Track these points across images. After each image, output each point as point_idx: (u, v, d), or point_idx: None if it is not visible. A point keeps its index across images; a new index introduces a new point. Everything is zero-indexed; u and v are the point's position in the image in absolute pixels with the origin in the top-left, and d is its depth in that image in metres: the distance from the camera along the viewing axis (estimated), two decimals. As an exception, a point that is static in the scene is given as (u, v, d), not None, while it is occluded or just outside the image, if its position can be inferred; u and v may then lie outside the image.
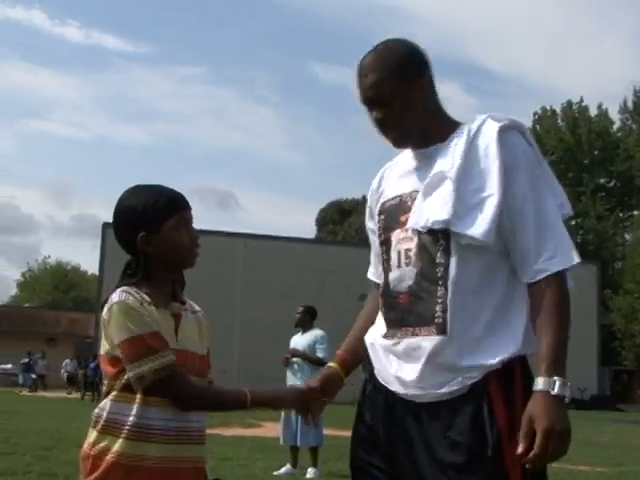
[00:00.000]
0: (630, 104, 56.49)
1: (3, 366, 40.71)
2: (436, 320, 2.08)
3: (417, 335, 2.11)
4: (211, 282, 29.24)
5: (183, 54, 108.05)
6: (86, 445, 2.18)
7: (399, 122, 2.19)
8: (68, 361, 35.29)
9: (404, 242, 2.18)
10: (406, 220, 2.18)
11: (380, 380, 2.22)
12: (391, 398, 2.18)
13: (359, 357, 2.39)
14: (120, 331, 2.12)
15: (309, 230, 66.80)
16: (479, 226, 2.05)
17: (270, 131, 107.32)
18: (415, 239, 2.15)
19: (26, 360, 34.95)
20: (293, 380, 8.81)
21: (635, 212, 55.20)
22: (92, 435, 2.18)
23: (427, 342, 2.09)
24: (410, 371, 2.12)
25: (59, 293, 70.53)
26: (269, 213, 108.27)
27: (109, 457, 2.12)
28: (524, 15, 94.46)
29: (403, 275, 2.17)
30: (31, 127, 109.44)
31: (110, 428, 2.14)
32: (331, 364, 2.44)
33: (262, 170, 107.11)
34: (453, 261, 2.08)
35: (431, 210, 2.11)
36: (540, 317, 2.03)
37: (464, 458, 2.01)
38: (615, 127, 56.78)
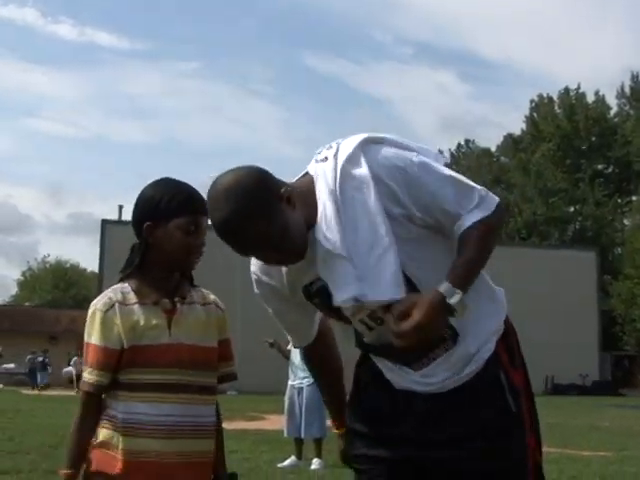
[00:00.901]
0: (627, 89, 56.51)
1: (5, 365, 40.75)
2: (447, 335, 2.10)
3: (434, 359, 2.13)
4: (211, 278, 29.16)
5: (177, 49, 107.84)
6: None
7: (287, 255, 2.07)
8: (77, 359, 35.02)
9: (360, 312, 2.09)
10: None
11: (394, 384, 2.20)
12: (402, 394, 2.18)
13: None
14: (85, 333, 2.25)
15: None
16: (387, 289, 2.01)
17: (267, 124, 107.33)
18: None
19: (40, 358, 34.82)
20: (294, 378, 8.84)
21: (634, 197, 55.24)
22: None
23: (448, 354, 2.13)
24: (430, 377, 2.14)
25: (59, 292, 70.54)
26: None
27: (100, 449, 2.20)
28: (520, 2, 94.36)
29: (381, 332, 2.11)
30: (26, 125, 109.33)
31: (104, 422, 2.23)
32: (342, 430, 2.40)
33: (259, 163, 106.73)
34: (421, 284, 2.07)
35: (340, 290, 2.04)
36: (463, 246, 2.04)
37: (500, 422, 2.11)
38: (612, 113, 56.78)
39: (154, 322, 2.22)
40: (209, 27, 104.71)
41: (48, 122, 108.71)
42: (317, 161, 2.13)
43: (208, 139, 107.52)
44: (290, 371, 8.97)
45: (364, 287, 2.01)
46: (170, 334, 2.23)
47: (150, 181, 2.33)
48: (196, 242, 2.24)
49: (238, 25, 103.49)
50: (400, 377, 2.18)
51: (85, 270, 75.60)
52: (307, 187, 2.11)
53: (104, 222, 36.61)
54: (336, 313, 2.15)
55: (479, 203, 2.08)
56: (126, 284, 2.27)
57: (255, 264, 2.24)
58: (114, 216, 40.61)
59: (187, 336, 2.25)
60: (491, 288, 2.22)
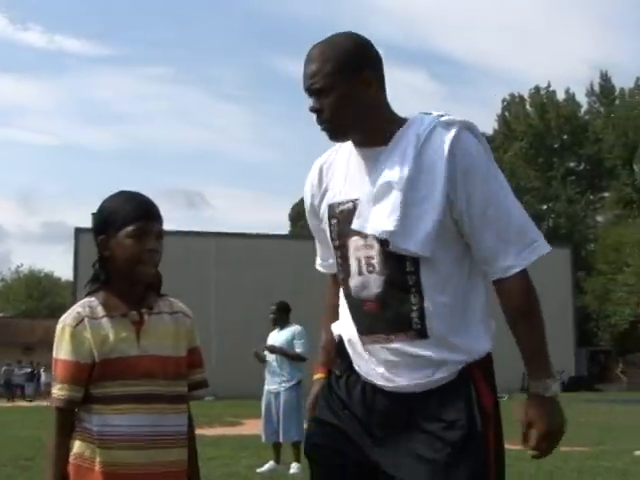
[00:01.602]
0: (597, 87, 57.04)
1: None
2: (414, 326, 2.12)
3: (392, 342, 2.14)
4: (184, 283, 29.10)
5: (147, 55, 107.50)
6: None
7: (333, 114, 2.17)
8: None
9: (363, 249, 2.18)
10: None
11: (362, 374, 2.22)
12: (373, 390, 2.20)
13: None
14: (54, 349, 2.25)
15: (283, 226, 66.72)
16: (416, 239, 2.09)
17: (238, 128, 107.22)
18: (377, 247, 2.15)
19: (29, 370, 34.41)
20: (271, 382, 8.80)
21: (605, 194, 55.77)
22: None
23: (407, 347, 2.13)
24: (395, 373, 2.15)
25: (33, 301, 69.92)
26: (241, 211, 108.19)
27: (75, 462, 2.22)
28: (489, 1, 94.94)
29: (366, 282, 2.17)
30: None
31: (78, 435, 2.24)
32: (319, 376, 2.43)
33: (232, 168, 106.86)
34: (424, 269, 2.12)
35: (377, 219, 2.13)
36: (515, 315, 2.14)
37: (460, 435, 2.09)
38: (583, 111, 57.27)
39: (123, 334, 2.24)
40: (178, 32, 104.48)
41: (18, 130, 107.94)
42: (421, 113, 2.24)
43: (179, 144, 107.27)
44: (266, 375, 8.95)
45: (400, 230, 2.09)
46: (139, 346, 2.24)
47: (114, 191, 2.35)
48: (146, 247, 2.24)
49: (207, 29, 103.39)
50: (367, 368, 2.20)
51: (59, 279, 74.99)
52: (392, 114, 2.23)
53: (77, 230, 36.38)
54: (342, 241, 2.22)
55: (529, 247, 2.16)
56: (93, 298, 2.28)
57: (311, 182, 2.35)
58: (87, 224, 40.33)
59: (156, 347, 2.27)
60: (486, 315, 2.21)
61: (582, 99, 57.48)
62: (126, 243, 2.23)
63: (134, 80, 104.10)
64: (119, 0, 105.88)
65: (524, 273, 2.14)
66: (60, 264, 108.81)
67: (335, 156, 2.33)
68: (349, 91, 2.16)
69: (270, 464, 8.74)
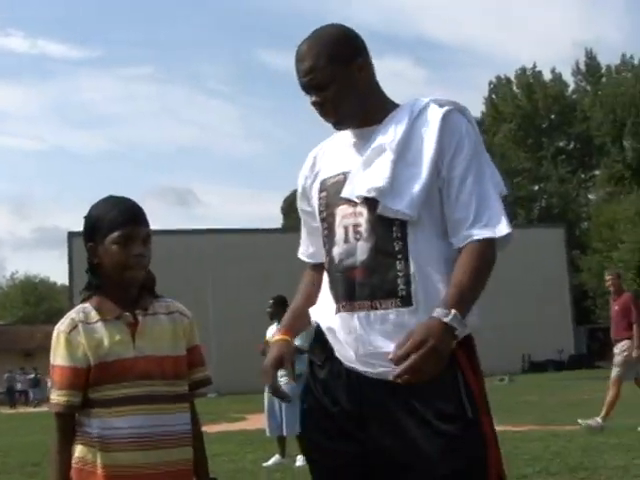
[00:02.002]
0: (583, 66, 57.03)
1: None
2: (400, 293, 2.13)
3: (377, 308, 2.15)
4: (180, 281, 29.06)
5: (129, 55, 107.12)
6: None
7: (336, 105, 2.25)
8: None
9: (351, 217, 2.21)
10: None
11: (345, 362, 2.22)
12: (358, 379, 2.19)
13: (304, 325, 2.46)
14: (51, 356, 2.27)
15: (275, 219, 66.68)
16: (405, 200, 2.14)
17: (225, 124, 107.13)
18: (365, 214, 2.18)
19: (32, 375, 34.36)
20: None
21: (596, 172, 55.81)
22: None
23: (393, 314, 2.13)
24: (374, 345, 2.14)
25: (30, 307, 69.89)
26: (232, 206, 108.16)
27: (77, 466, 2.23)
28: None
29: (352, 250, 2.19)
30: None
31: (79, 438, 2.25)
32: (280, 337, 2.42)
33: (221, 164, 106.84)
34: (411, 235, 2.15)
35: (368, 179, 2.18)
36: (459, 265, 2.10)
37: (452, 424, 2.09)
38: (570, 90, 57.30)
39: (118, 337, 2.24)
40: (159, 29, 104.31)
41: (5, 137, 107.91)
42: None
43: (167, 142, 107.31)
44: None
45: (389, 189, 2.14)
46: (135, 347, 2.25)
47: (104, 194, 2.37)
48: (132, 252, 2.25)
49: (189, 26, 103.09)
50: (349, 353, 2.19)
51: (55, 284, 74.95)
52: (385, 96, 2.33)
53: (71, 234, 36.36)
54: (329, 211, 2.26)
55: (495, 222, 2.15)
56: (87, 304, 2.30)
57: (308, 166, 2.40)
58: (81, 227, 40.22)
59: (152, 347, 2.27)
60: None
61: (569, 78, 57.58)
62: (112, 249, 2.25)
63: (118, 81, 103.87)
64: (99, 2, 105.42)
65: (486, 242, 2.13)
66: (55, 269, 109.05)
67: (329, 143, 2.41)
68: (346, 81, 2.23)
69: (276, 458, 8.75)
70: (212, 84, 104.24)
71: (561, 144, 56.80)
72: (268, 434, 9.00)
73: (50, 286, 75.50)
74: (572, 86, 57.43)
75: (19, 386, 35.74)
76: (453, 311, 2.00)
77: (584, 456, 7.74)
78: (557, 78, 56.92)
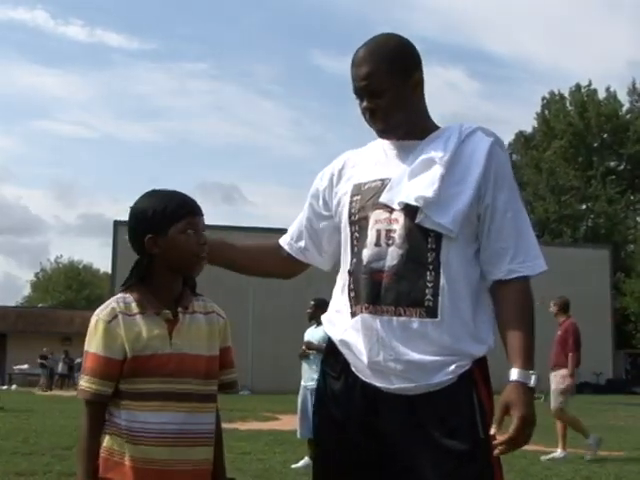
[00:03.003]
0: (639, 85, 56.19)
1: (19, 366, 40.92)
2: (426, 303, 2.15)
3: (400, 315, 2.15)
4: (222, 279, 29.16)
5: (186, 50, 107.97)
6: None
7: (388, 114, 2.27)
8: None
9: (385, 222, 2.23)
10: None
11: (360, 376, 2.22)
12: (374, 394, 2.19)
13: (226, 258, 2.56)
14: (86, 342, 2.26)
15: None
16: (449, 215, 2.17)
17: (275, 124, 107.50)
18: (401, 221, 2.21)
19: (78, 360, 34.53)
20: (307, 379, 8.80)
21: (646, 194, 54.93)
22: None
23: (416, 323, 2.15)
24: (394, 351, 2.14)
25: (72, 292, 70.86)
26: (277, 206, 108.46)
27: (104, 455, 2.23)
28: None
29: (382, 254, 2.21)
30: (36, 127, 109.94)
31: (107, 428, 2.25)
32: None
33: (269, 163, 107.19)
34: (445, 249, 2.18)
35: (414, 188, 2.20)
36: (513, 313, 2.18)
37: (465, 444, 2.10)
38: (624, 109, 56.51)
39: (156, 332, 2.24)
40: (217, 26, 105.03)
41: (58, 123, 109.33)
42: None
43: (217, 139, 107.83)
44: (303, 371, 8.95)
45: (435, 202, 2.18)
46: (171, 344, 2.24)
47: (151, 186, 2.39)
48: (199, 240, 2.27)
49: (245, 25, 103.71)
50: (364, 363, 2.19)
51: (98, 271, 75.88)
52: (428, 113, 2.37)
53: (116, 223, 36.77)
54: (362, 215, 2.28)
55: (534, 259, 2.24)
56: (128, 294, 2.28)
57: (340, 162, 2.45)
58: (124, 217, 40.71)
59: (188, 346, 2.27)
60: (491, 324, 2.25)
61: (624, 98, 56.73)
62: (180, 239, 2.25)
63: (172, 75, 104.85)
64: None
65: (526, 281, 2.23)
66: (97, 256, 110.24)
67: (363, 151, 2.45)
68: (401, 92, 2.26)
69: (305, 460, 8.75)
70: (265, 84, 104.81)
71: (612, 164, 55.97)
72: (299, 436, 8.99)
73: (93, 273, 76.47)
74: (626, 106, 56.66)
75: (60, 369, 36.20)
76: (533, 376, 2.13)
77: (616, 483, 7.61)
78: (611, 97, 56.15)
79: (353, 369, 2.24)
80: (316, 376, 9.83)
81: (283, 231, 2.62)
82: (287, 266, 2.60)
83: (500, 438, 2.08)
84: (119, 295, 2.30)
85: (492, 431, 2.06)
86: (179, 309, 2.29)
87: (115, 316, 2.23)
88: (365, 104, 2.28)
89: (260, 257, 2.61)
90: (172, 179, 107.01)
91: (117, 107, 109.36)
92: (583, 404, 24.24)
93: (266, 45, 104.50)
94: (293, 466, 8.64)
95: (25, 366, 40.44)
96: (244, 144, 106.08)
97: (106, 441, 2.23)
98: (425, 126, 2.33)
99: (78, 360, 35.26)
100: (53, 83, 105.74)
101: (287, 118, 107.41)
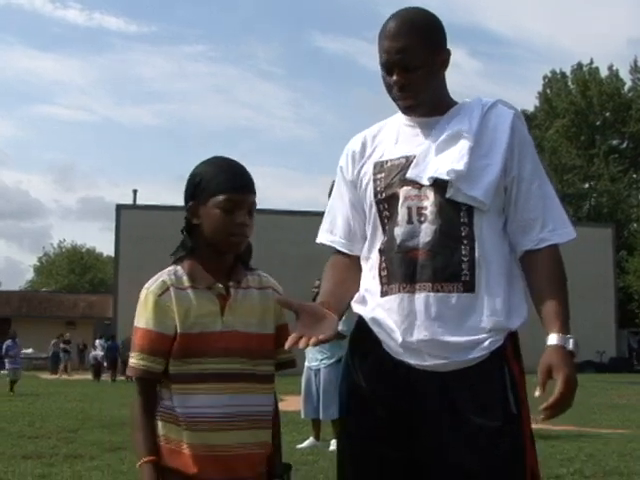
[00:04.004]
0: (641, 64, 55.88)
1: (24, 351, 40.99)
2: (463, 277, 2.14)
3: (439, 291, 2.14)
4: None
5: (185, 32, 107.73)
6: None
7: (419, 89, 2.23)
8: (101, 342, 34.12)
9: (415, 199, 2.21)
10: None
11: (391, 354, 2.20)
12: (406, 372, 2.17)
13: (342, 305, 2.30)
14: (136, 317, 2.14)
15: (321, 203, 66.60)
16: (480, 188, 2.17)
17: (275, 106, 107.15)
18: (432, 197, 2.19)
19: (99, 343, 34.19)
20: (311, 359, 8.81)
21: (649, 173, 54.80)
22: None
23: (454, 298, 2.14)
24: (430, 330, 2.13)
25: (75, 276, 70.93)
26: (278, 188, 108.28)
27: (160, 443, 2.12)
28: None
29: (416, 231, 2.19)
30: (35, 112, 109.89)
31: (160, 415, 2.14)
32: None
33: (270, 145, 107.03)
34: (478, 222, 2.18)
35: (445, 162, 2.18)
36: (547, 280, 2.19)
37: (497, 420, 2.10)
38: (626, 88, 56.25)
39: (207, 308, 2.12)
40: (216, 8, 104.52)
41: (57, 107, 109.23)
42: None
43: (218, 121, 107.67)
44: (307, 352, 8.97)
45: (465, 175, 2.16)
46: (223, 321, 2.13)
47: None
48: (236, 221, 2.12)
49: (244, 6, 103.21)
50: (397, 341, 2.17)
51: (101, 254, 75.93)
52: (447, 89, 2.34)
53: (119, 207, 36.75)
54: (390, 192, 2.24)
55: (564, 226, 2.26)
56: (179, 267, 2.16)
57: (365, 137, 2.38)
58: (125, 200, 40.77)
59: (241, 323, 2.15)
60: (524, 296, 2.24)
61: (626, 76, 56.47)
62: (215, 213, 2.12)
63: (172, 58, 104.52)
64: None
65: (557, 248, 2.24)
66: (98, 239, 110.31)
67: (378, 129, 2.40)
68: (433, 67, 2.25)
69: (310, 440, 8.80)
70: (265, 65, 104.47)
71: (614, 142, 55.82)
72: (303, 416, 9.04)
73: (96, 257, 76.50)
74: (629, 84, 56.40)
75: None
76: (571, 340, 2.11)
77: (620, 460, 7.66)
78: (613, 75, 55.89)
79: (385, 347, 2.21)
80: (320, 357, 9.90)
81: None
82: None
83: (546, 403, 2.04)
84: (170, 268, 2.17)
85: (537, 394, 2.03)
86: (230, 284, 2.17)
87: (166, 289, 2.11)
88: (396, 78, 2.22)
89: (348, 283, 2.35)
90: (172, 162, 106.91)
91: (116, 91, 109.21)
92: (587, 382, 24.29)
93: (265, 27, 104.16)
94: (298, 446, 8.68)
95: (30, 350, 40.53)
96: (244, 125, 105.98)
97: (160, 428, 2.11)
98: (446, 102, 2.31)
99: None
100: (51, 67, 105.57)
101: (287, 100, 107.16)
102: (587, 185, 54.17)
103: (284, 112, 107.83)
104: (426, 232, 2.17)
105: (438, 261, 2.15)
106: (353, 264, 2.37)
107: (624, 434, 10.17)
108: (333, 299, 2.26)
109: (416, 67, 2.20)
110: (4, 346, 21.35)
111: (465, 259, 2.15)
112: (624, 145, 56.18)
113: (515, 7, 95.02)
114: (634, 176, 55.03)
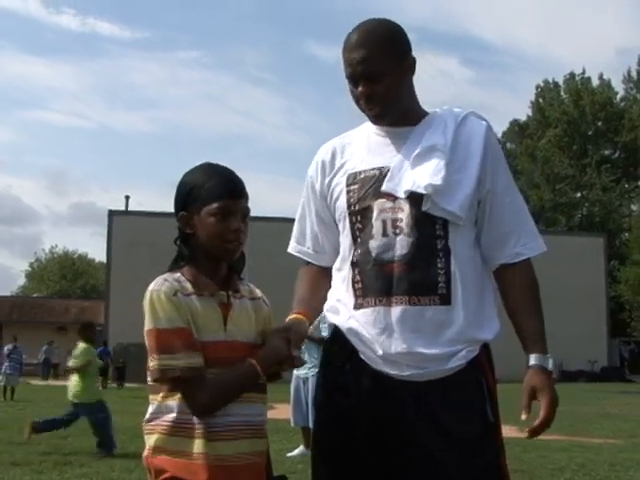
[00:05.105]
0: (634, 74, 56.14)
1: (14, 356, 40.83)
2: (439, 290, 2.16)
3: (416, 304, 2.14)
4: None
5: (178, 38, 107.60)
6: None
7: (385, 98, 2.23)
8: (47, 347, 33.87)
9: (390, 211, 2.21)
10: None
11: (369, 363, 2.19)
12: (384, 382, 2.17)
13: (316, 313, 2.35)
14: (148, 320, 2.04)
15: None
16: (456, 202, 2.18)
17: (268, 112, 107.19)
18: (407, 209, 2.19)
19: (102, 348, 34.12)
20: (298, 369, 8.76)
21: (640, 182, 54.97)
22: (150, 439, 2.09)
23: (431, 311, 2.14)
24: (408, 343, 2.13)
25: (67, 282, 70.77)
26: (271, 195, 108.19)
27: (166, 455, 2.05)
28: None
29: (391, 243, 2.19)
30: (28, 117, 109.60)
31: (163, 427, 2.07)
32: (296, 317, 2.28)
33: (263, 153, 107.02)
34: (453, 235, 2.19)
35: (421, 176, 2.18)
36: (523, 298, 2.24)
37: (477, 428, 2.13)
38: (619, 97, 56.48)
39: (212, 316, 2.08)
40: (209, 14, 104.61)
41: (50, 113, 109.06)
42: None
43: (211, 128, 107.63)
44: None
45: (441, 189, 2.17)
46: (226, 330, 2.09)
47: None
48: (230, 227, 2.09)
49: (238, 13, 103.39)
50: (376, 353, 2.17)
51: (93, 260, 75.77)
52: (417, 98, 2.33)
53: (111, 212, 36.69)
54: (364, 205, 2.23)
55: (534, 239, 2.30)
56: (178, 274, 2.11)
57: (334, 147, 2.38)
58: (117, 206, 40.75)
59: (241, 333, 2.12)
60: (495, 305, 2.28)
61: (618, 86, 56.70)
62: (209, 221, 2.09)
63: (165, 64, 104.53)
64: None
65: (530, 262, 2.28)
66: (88, 245, 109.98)
67: (348, 138, 2.40)
68: (397, 76, 2.23)
69: (300, 449, 8.76)
70: (258, 72, 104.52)
71: (606, 152, 56.02)
72: (293, 425, 9.01)
73: (88, 262, 76.34)
74: (621, 94, 56.64)
75: (52, 359, 36.18)
76: (549, 360, 2.20)
77: (611, 470, 7.66)
78: (606, 85, 56.12)
79: (362, 356, 2.21)
80: (308, 365, 9.78)
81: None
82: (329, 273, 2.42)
83: (532, 426, 2.15)
84: (168, 274, 2.10)
85: (523, 417, 2.13)
86: (230, 292, 2.14)
87: (176, 292, 2.04)
88: (361, 89, 2.22)
89: (319, 292, 2.39)
90: (164, 168, 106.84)
91: (110, 96, 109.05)
92: (578, 391, 24.32)
93: (258, 34, 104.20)
94: (289, 454, 8.66)
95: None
96: (237, 133, 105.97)
97: (169, 440, 2.04)
98: (416, 111, 2.31)
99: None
100: (45, 73, 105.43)
101: (280, 107, 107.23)
102: (579, 194, 54.32)
103: (277, 119, 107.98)
104: (402, 245, 2.18)
105: (415, 274, 2.15)
106: (323, 274, 2.40)
107: (616, 444, 10.18)
108: (307, 307, 2.32)
109: (380, 76, 2.20)
110: (5, 350, 21.17)
111: (441, 272, 2.16)
112: (616, 155, 56.37)
113: (506, 16, 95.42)
114: (626, 186, 55.22)
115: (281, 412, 13.44)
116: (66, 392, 9.20)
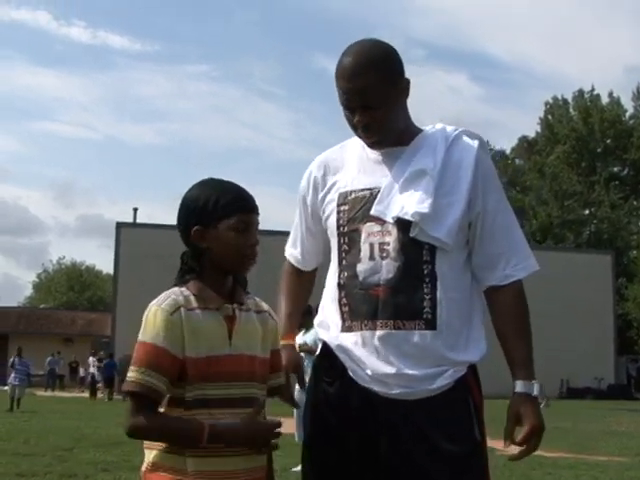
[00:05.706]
0: (643, 92, 56.06)
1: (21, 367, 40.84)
2: (425, 315, 2.15)
3: (400, 329, 2.15)
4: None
5: (188, 52, 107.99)
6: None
7: (382, 126, 2.21)
8: (94, 360, 33.78)
9: (377, 235, 2.21)
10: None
11: (358, 381, 2.20)
12: (372, 400, 2.18)
13: (298, 320, 2.53)
14: (140, 332, 2.06)
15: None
16: (444, 228, 2.17)
17: (277, 126, 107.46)
18: (394, 233, 2.19)
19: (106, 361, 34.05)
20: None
21: (649, 200, 54.84)
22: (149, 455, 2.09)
23: (416, 336, 2.15)
24: (396, 366, 2.15)
25: (74, 294, 70.82)
26: (278, 209, 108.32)
27: (166, 474, 2.04)
28: (531, 3, 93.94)
29: (377, 268, 2.19)
30: (36, 128, 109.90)
31: (156, 444, 2.07)
32: (286, 343, 2.36)
33: (271, 166, 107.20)
34: (440, 260, 2.18)
35: (409, 202, 2.17)
36: (511, 323, 2.24)
37: (465, 446, 2.14)
38: (628, 115, 56.44)
39: (216, 330, 2.08)
40: (219, 28, 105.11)
41: (59, 124, 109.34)
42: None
43: (219, 141, 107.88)
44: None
45: (429, 216, 2.16)
46: (231, 344, 2.09)
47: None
48: (249, 241, 2.11)
49: (246, 26, 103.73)
50: (364, 372, 2.18)
51: (101, 272, 75.84)
52: (410, 117, 2.32)
53: (119, 224, 36.78)
54: (353, 227, 2.24)
55: (526, 259, 2.28)
56: (184, 288, 2.11)
57: (325, 161, 2.39)
58: (124, 218, 40.86)
59: (246, 346, 2.12)
60: (483, 330, 2.28)
61: (628, 103, 56.65)
62: (228, 236, 2.09)
63: (174, 77, 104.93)
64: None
65: (520, 283, 2.27)
66: (95, 257, 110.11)
67: (340, 153, 2.39)
68: (394, 101, 2.22)
69: (305, 463, 8.73)
70: (266, 86, 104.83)
71: (615, 169, 55.92)
72: (297, 440, 8.98)
73: (96, 274, 76.42)
74: (630, 111, 56.58)
75: (56, 370, 36.21)
76: (535, 385, 2.19)
77: (617, 489, 7.59)
78: (615, 102, 56.10)
79: (350, 374, 2.22)
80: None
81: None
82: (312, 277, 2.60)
83: (516, 454, 2.17)
84: (175, 289, 2.11)
85: (507, 445, 2.14)
86: (235, 305, 2.14)
87: (177, 308, 2.04)
88: (359, 118, 2.19)
89: (301, 302, 2.55)
90: (172, 181, 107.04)
91: (118, 108, 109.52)
92: (585, 409, 24.20)
93: (266, 47, 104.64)
94: (294, 469, 8.62)
95: (27, 367, 40.38)
96: (245, 146, 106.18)
97: (166, 457, 2.03)
98: (410, 131, 2.29)
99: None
100: (55, 84, 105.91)
101: (288, 120, 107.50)
102: (587, 211, 54.18)
103: (285, 133, 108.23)
104: (388, 269, 2.18)
105: (400, 299, 2.16)
106: (305, 279, 2.53)
107: (622, 462, 10.10)
108: (295, 324, 2.47)
109: (378, 105, 2.17)
110: (12, 360, 21.33)
111: (427, 297, 2.16)
112: (625, 172, 56.27)
113: (515, 33, 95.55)
114: (634, 203, 55.06)
115: (286, 427, 13.39)
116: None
